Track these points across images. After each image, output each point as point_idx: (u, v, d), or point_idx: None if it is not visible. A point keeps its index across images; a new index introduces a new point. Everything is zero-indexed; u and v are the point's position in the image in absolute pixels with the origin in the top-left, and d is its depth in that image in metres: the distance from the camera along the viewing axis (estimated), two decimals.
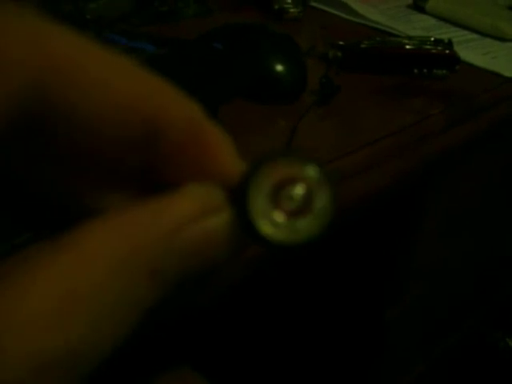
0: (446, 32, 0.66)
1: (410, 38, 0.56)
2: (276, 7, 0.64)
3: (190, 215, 0.12)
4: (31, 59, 0.11)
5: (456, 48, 0.55)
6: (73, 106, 0.12)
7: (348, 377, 0.70)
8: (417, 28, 0.66)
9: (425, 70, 0.53)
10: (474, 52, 0.62)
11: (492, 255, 0.78)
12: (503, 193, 0.72)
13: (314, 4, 0.70)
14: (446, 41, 0.55)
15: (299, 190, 0.13)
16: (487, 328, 0.90)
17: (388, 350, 0.67)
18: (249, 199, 0.12)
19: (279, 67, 0.46)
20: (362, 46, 0.54)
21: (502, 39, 0.65)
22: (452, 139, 0.50)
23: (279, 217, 0.12)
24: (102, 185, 0.13)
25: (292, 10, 0.63)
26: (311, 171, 0.13)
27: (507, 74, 0.57)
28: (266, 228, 0.12)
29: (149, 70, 0.13)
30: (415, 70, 0.53)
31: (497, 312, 0.89)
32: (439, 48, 0.54)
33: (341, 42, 0.54)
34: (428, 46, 0.54)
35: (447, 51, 0.54)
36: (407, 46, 0.54)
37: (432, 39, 0.55)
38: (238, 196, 0.13)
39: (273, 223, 0.12)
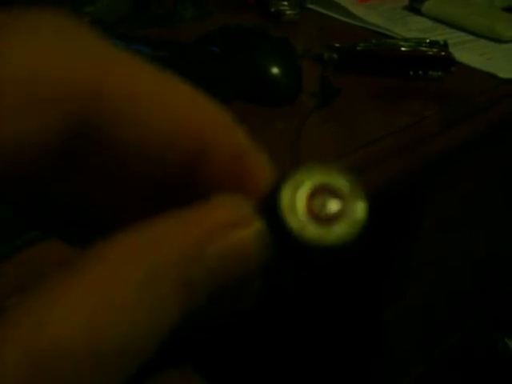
0: (441, 33, 0.66)
1: (405, 39, 0.57)
2: (273, 10, 0.64)
3: (220, 226, 0.11)
4: (88, 83, 0.11)
5: (452, 49, 0.55)
6: (124, 133, 0.12)
7: (347, 377, 0.70)
8: (413, 30, 0.67)
9: (420, 72, 0.53)
10: (470, 53, 0.62)
11: (491, 254, 0.78)
12: (501, 192, 0.72)
13: (310, 6, 0.70)
14: (442, 42, 0.55)
15: (332, 198, 0.13)
16: (487, 328, 0.90)
17: (387, 350, 0.67)
18: (281, 199, 0.12)
19: (275, 70, 0.46)
20: (358, 48, 0.54)
21: (498, 40, 0.65)
22: (449, 140, 0.50)
23: (312, 221, 0.12)
24: (127, 195, 0.13)
25: (289, 13, 0.64)
26: (344, 182, 0.13)
27: (503, 75, 0.58)
28: (297, 228, 0.12)
29: (195, 87, 0.13)
30: (411, 72, 0.53)
31: (497, 311, 0.89)
32: (434, 50, 0.54)
33: (337, 44, 0.55)
34: (423, 48, 0.54)
35: (442, 53, 0.54)
36: (403, 48, 0.54)
37: (427, 41, 0.55)
38: (270, 199, 0.12)
39: (304, 225, 0.12)
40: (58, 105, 0.11)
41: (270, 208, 0.12)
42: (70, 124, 0.11)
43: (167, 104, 0.12)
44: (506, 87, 0.57)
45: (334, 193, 0.13)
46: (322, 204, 0.12)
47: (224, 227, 0.11)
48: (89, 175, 0.12)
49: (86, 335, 0.10)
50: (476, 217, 0.69)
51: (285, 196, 0.12)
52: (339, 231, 0.12)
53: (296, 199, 0.12)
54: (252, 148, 0.13)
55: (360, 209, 0.13)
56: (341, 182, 0.13)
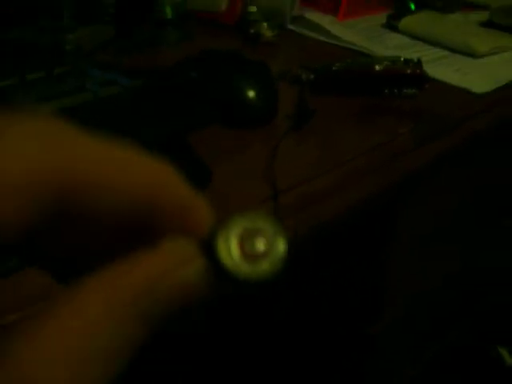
0: (418, 50, 0.68)
1: (380, 58, 0.58)
2: (252, 31, 0.66)
3: (168, 267, 0.15)
4: (52, 169, 0.14)
5: (428, 66, 0.57)
6: (94, 201, 0.15)
7: None
8: (390, 47, 0.68)
9: (395, 90, 0.54)
10: (445, 69, 0.63)
11: (466, 269, 0.79)
12: (474, 208, 0.73)
13: (290, 27, 0.72)
14: (416, 60, 0.56)
15: (259, 239, 0.16)
16: (473, 339, 0.90)
17: (372, 367, 0.68)
18: (218, 244, 0.15)
19: (251, 93, 0.47)
20: (334, 68, 0.55)
21: (474, 56, 0.67)
22: (422, 157, 0.51)
23: (243, 259, 0.15)
24: (103, 241, 0.17)
25: (268, 35, 0.65)
26: (268, 225, 0.16)
27: (477, 89, 0.59)
28: (231, 267, 0.15)
29: (148, 154, 0.16)
30: (386, 90, 0.54)
31: (482, 322, 0.89)
32: (408, 68, 0.55)
33: (314, 66, 0.56)
34: (397, 66, 0.55)
35: (417, 70, 0.55)
36: (377, 67, 0.55)
37: (402, 59, 0.56)
38: (208, 243, 0.15)
39: (237, 264, 0.15)
40: (24, 191, 0.14)
41: (208, 250, 0.15)
42: (45, 203, 0.14)
43: (125, 175, 0.16)
44: (480, 102, 0.58)
45: (260, 234, 0.16)
46: (252, 244, 0.16)
47: (171, 267, 0.15)
48: (71, 231, 0.16)
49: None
50: (449, 232, 0.70)
51: (220, 241, 0.15)
52: (264, 268, 0.15)
53: (230, 242, 0.15)
54: (194, 198, 0.16)
55: (281, 247, 0.16)
56: (265, 225, 0.16)
